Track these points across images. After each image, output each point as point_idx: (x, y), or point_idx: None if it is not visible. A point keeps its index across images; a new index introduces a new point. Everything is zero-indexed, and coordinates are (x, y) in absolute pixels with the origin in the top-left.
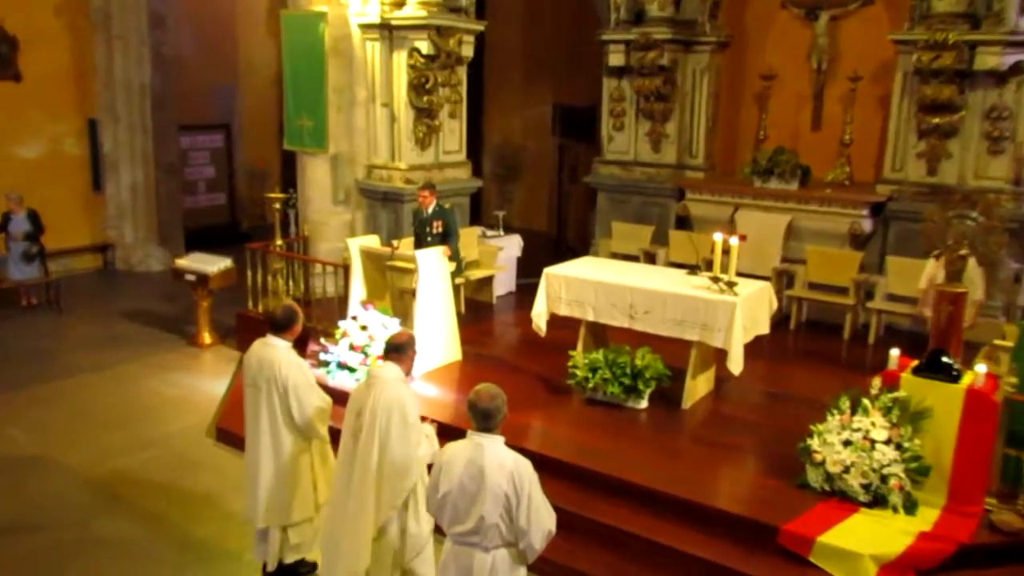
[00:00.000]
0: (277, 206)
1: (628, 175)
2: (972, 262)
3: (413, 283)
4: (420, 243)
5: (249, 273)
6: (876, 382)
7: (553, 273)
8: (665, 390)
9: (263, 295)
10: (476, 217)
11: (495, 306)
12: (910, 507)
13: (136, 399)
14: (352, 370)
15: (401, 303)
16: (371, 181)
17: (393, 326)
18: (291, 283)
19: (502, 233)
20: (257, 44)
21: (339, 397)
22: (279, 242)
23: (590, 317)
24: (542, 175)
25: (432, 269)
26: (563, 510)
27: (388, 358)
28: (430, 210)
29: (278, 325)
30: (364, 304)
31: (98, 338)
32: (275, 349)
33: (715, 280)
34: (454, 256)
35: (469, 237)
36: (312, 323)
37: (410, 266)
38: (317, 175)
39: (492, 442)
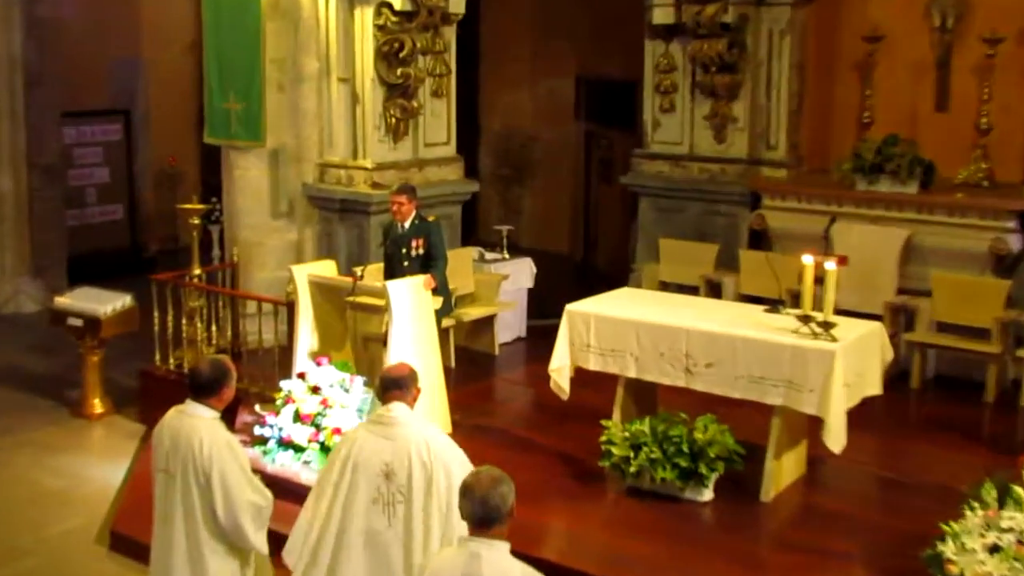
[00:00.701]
0: (195, 221)
1: (682, 174)
2: None
3: (383, 327)
4: (393, 270)
5: (156, 315)
6: None
7: (579, 311)
8: (737, 475)
9: (176, 346)
10: (471, 234)
11: (498, 358)
12: None
13: (2, 492)
14: (299, 449)
15: (367, 355)
16: (325, 185)
17: (357, 388)
18: (214, 329)
19: (507, 256)
20: (168, 3)
21: (282, 488)
22: (198, 271)
23: (631, 372)
24: (562, 176)
25: (410, 307)
26: None
27: (388, 398)
28: (407, 225)
29: (201, 388)
30: (315, 357)
31: None
32: (196, 422)
33: (805, 320)
34: (440, 289)
35: (461, 262)
36: (244, 384)
37: (379, 303)
38: (250, 178)
39: (493, 550)
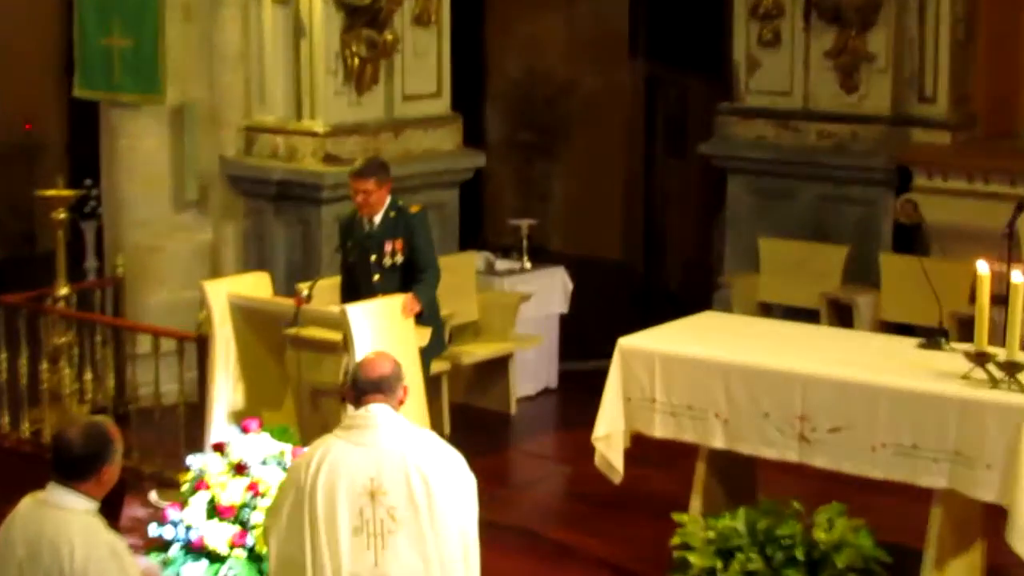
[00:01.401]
0: (60, 216)
1: (792, 140)
2: None
3: (341, 374)
4: (357, 288)
5: (3, 357)
6: None
7: (638, 349)
8: None
9: (32, 403)
10: (474, 232)
11: (516, 420)
12: None
13: None
14: (216, 559)
15: (317, 416)
16: (254, 160)
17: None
18: (89, 377)
19: (528, 266)
20: None
21: None
22: (64, 291)
23: (717, 441)
24: (610, 143)
25: (381, 343)
26: None
27: (365, 401)
28: (377, 219)
29: (70, 466)
30: (240, 420)
31: None
32: (64, 517)
33: (980, 360)
34: (428, 315)
35: (460, 274)
36: (133, 461)
37: (334, 337)
38: (143, 151)
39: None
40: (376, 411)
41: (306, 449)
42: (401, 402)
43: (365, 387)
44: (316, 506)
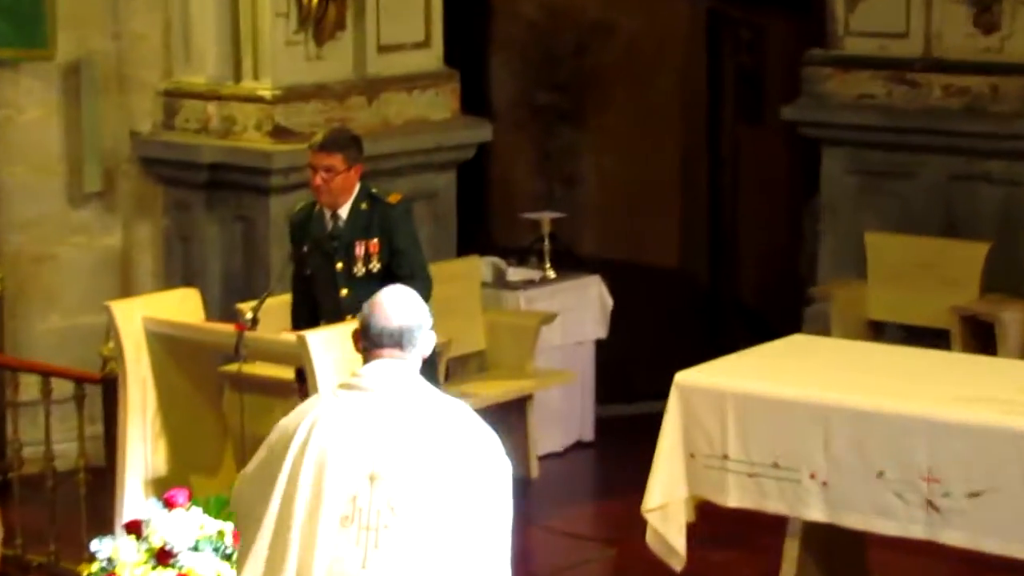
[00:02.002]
0: None
1: (909, 98)
2: None
3: None
4: (317, 307)
5: None
6: None
7: (703, 388)
8: None
9: None
10: (477, 229)
11: (536, 484)
12: None
13: None
14: None
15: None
16: (177, 135)
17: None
18: None
19: (551, 274)
20: None
21: None
22: None
23: (813, 512)
24: (660, 105)
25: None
26: None
27: (376, 356)
28: (344, 211)
29: None
30: (162, 490)
31: None
32: None
33: None
34: None
35: (461, 286)
36: (15, 549)
37: (287, 375)
38: (25, 125)
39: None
40: (388, 370)
41: (295, 411)
42: (425, 358)
43: (378, 338)
44: (296, 483)
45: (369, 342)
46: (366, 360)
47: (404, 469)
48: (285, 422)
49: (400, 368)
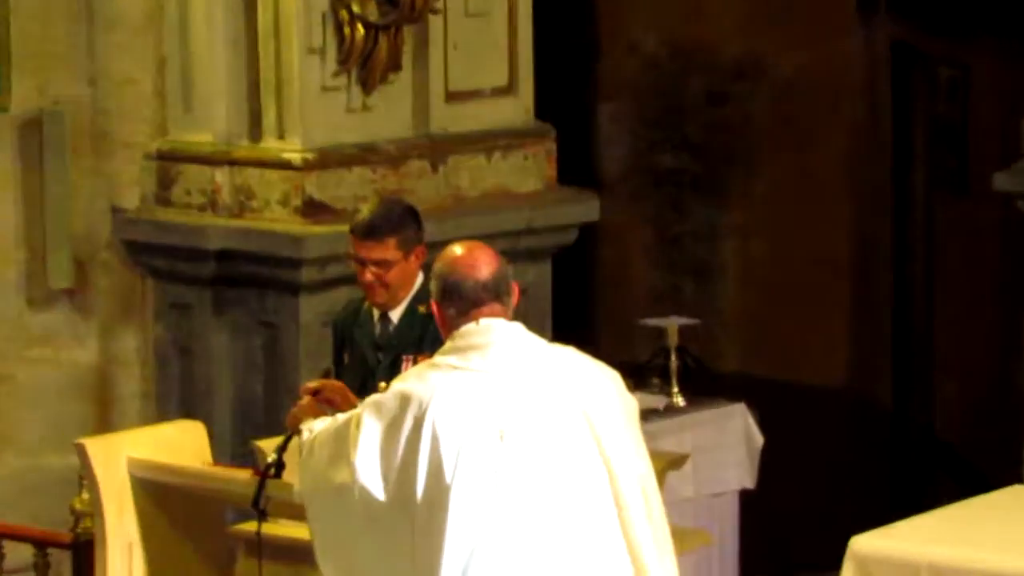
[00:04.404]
0: None
1: None
2: None
3: None
4: None
5: None
6: None
7: (887, 557)
8: None
9: None
10: (578, 338)
11: None
12: None
13: None
14: None
15: None
16: (174, 213)
17: None
18: None
19: (680, 402)
20: None
21: None
22: None
23: None
24: (826, 169)
25: None
26: None
27: (469, 319)
28: (396, 314)
29: None
30: None
31: None
32: None
33: None
34: None
35: None
36: None
37: None
38: None
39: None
40: (497, 326)
41: (396, 390)
42: (515, 307)
43: (473, 293)
44: (418, 461)
45: (464, 302)
46: (455, 325)
47: (536, 426)
48: (386, 399)
49: (506, 325)
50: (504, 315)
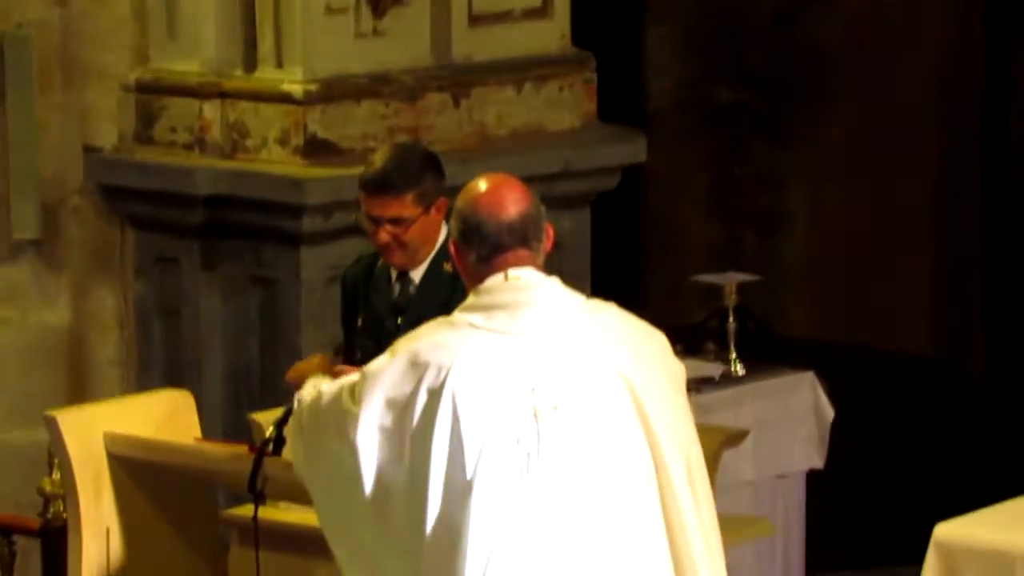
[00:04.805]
0: None
1: None
2: None
3: None
4: None
5: None
6: None
7: (974, 547)
8: None
9: None
10: (624, 295)
11: None
12: None
13: None
14: None
15: None
16: (157, 152)
17: None
18: None
19: (739, 370)
20: None
21: None
22: None
23: None
24: (912, 110)
25: None
26: None
27: (496, 267)
28: (417, 274)
29: None
30: None
31: None
32: None
33: None
34: None
35: None
36: None
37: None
38: None
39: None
40: (530, 282)
41: (405, 353)
42: (548, 253)
43: (497, 237)
44: (432, 446)
45: (486, 248)
46: (479, 274)
47: (573, 392)
48: (397, 364)
49: (538, 276)
50: (532, 262)
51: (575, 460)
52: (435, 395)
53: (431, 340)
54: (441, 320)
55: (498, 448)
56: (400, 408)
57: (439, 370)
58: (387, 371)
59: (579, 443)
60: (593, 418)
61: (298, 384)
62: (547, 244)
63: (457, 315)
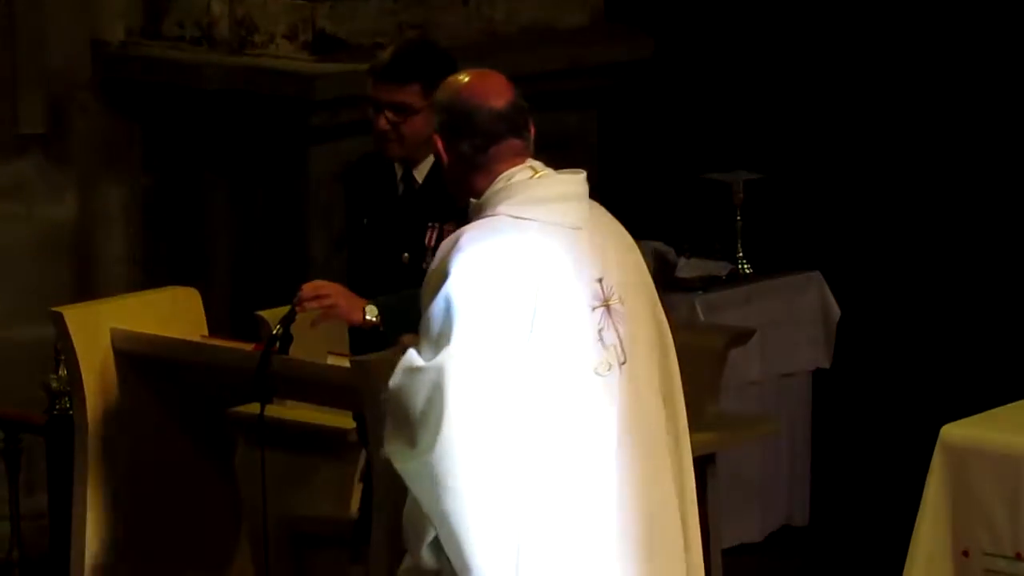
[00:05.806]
0: None
1: None
2: None
3: (353, 501)
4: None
5: None
6: None
7: (982, 448)
8: None
9: None
10: (629, 198)
11: None
12: None
13: None
14: None
15: None
16: (163, 47)
17: None
18: None
19: (746, 269)
20: None
21: None
22: None
23: None
24: None
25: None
26: None
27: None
28: (421, 172)
29: None
30: None
31: None
32: None
33: None
34: None
35: None
36: None
37: (338, 422)
38: None
39: None
40: (556, 175)
41: (460, 257)
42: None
43: (489, 124)
44: (523, 343)
45: (479, 137)
46: (473, 164)
47: (634, 282)
48: (494, 271)
49: (581, 180)
50: (526, 153)
51: (643, 354)
52: (533, 293)
53: (498, 240)
54: (483, 223)
55: (576, 348)
56: (509, 318)
57: (529, 272)
58: (475, 297)
59: (640, 338)
60: (643, 314)
61: (333, 319)
62: (531, 134)
63: (503, 211)
